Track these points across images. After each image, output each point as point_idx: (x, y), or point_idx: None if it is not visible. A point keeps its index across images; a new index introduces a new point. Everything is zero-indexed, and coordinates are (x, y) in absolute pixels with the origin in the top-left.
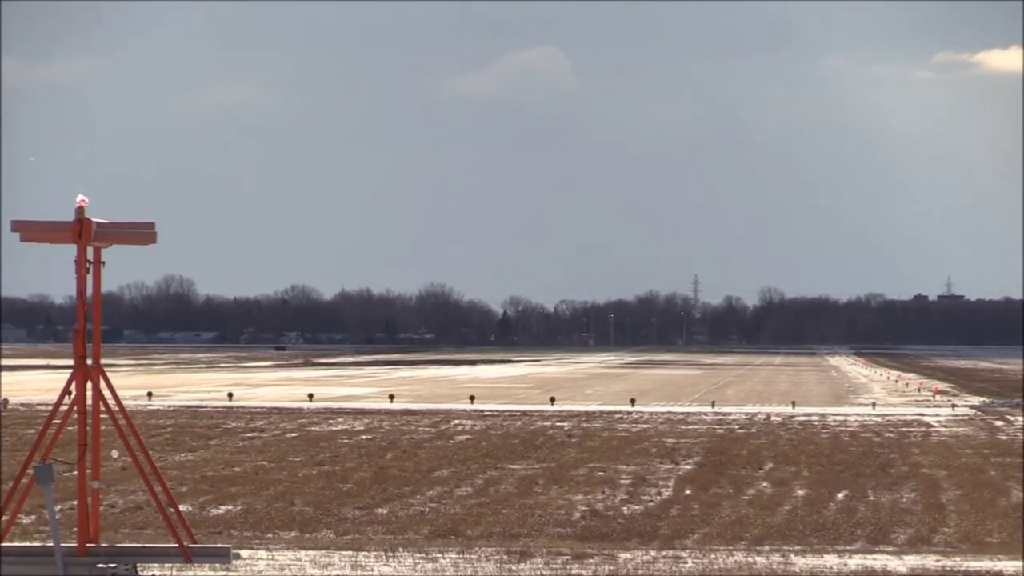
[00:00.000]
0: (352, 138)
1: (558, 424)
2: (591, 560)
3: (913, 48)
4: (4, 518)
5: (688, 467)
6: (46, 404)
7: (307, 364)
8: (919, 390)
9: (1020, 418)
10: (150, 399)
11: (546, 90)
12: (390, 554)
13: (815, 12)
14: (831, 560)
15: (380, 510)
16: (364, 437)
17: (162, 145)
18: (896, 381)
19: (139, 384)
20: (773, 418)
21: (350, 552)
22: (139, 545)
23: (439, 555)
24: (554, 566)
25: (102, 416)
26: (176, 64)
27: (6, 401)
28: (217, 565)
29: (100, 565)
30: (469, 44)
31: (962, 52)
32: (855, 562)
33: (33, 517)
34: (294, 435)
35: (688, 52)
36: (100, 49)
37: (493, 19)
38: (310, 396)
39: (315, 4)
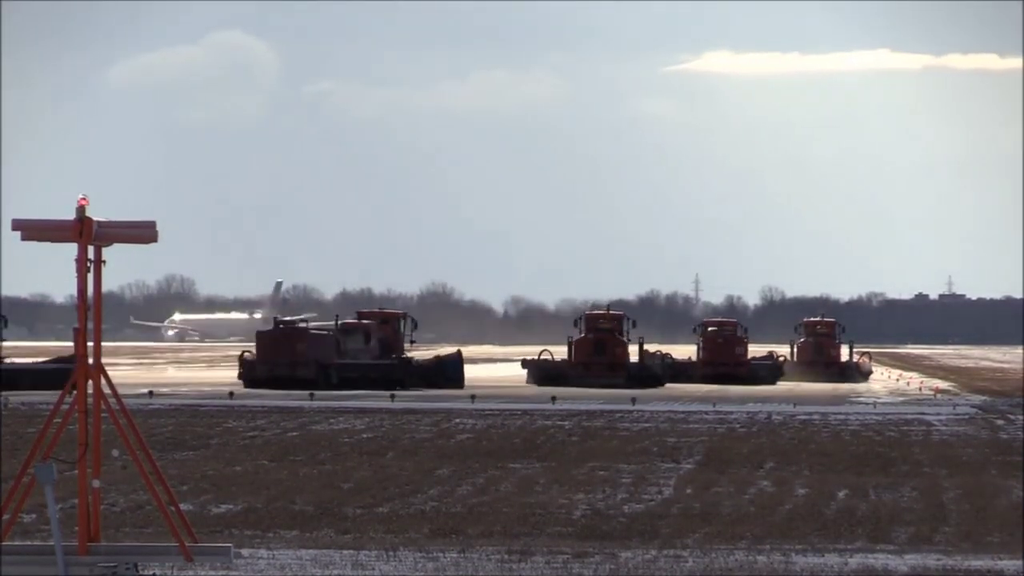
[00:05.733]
0: (354, 137)
1: (559, 423)
2: (592, 559)
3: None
4: (5, 517)
5: (689, 466)
6: (46, 403)
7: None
8: (920, 389)
9: (1021, 417)
10: (151, 398)
11: (521, 100)
12: (391, 553)
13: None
14: (832, 559)
15: (381, 509)
16: (365, 436)
17: (163, 144)
18: (897, 380)
19: (140, 383)
20: (774, 417)
21: (351, 551)
22: (140, 544)
23: (440, 554)
24: (555, 565)
25: (103, 415)
26: (176, 64)
27: (6, 400)
28: (218, 564)
29: (101, 564)
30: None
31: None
32: (856, 561)
33: (34, 516)
34: (295, 434)
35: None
36: (94, 52)
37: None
38: (311, 395)
39: None
